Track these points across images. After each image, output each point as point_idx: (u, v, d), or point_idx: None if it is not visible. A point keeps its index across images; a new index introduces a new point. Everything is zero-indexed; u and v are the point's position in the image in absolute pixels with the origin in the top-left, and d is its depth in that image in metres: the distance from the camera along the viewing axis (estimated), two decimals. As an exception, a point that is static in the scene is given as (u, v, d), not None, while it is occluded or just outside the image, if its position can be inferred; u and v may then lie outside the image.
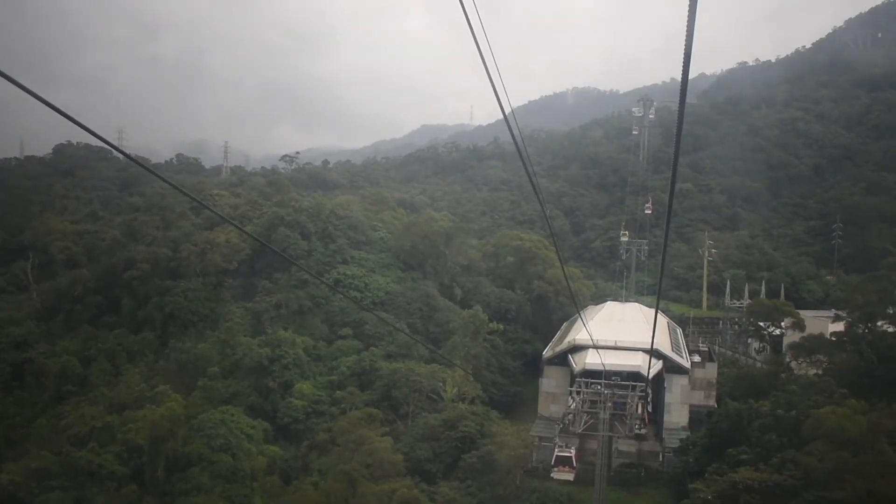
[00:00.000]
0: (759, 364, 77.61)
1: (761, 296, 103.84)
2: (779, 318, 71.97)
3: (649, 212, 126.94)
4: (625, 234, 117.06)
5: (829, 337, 61.70)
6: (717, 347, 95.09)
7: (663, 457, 68.43)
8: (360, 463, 58.59)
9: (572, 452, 57.75)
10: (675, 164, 10.72)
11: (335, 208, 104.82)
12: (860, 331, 55.95)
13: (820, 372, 57.46)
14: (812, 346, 59.71)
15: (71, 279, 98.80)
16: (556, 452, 58.31)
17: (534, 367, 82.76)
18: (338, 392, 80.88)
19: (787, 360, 62.71)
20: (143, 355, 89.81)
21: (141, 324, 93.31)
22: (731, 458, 49.25)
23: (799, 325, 72.55)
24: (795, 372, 61.54)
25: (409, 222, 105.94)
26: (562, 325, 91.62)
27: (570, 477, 57.28)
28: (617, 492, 63.84)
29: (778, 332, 74.57)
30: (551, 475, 57.77)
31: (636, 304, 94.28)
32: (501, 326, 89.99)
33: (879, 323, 57.20)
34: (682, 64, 7.32)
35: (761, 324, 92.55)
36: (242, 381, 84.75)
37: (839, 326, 66.88)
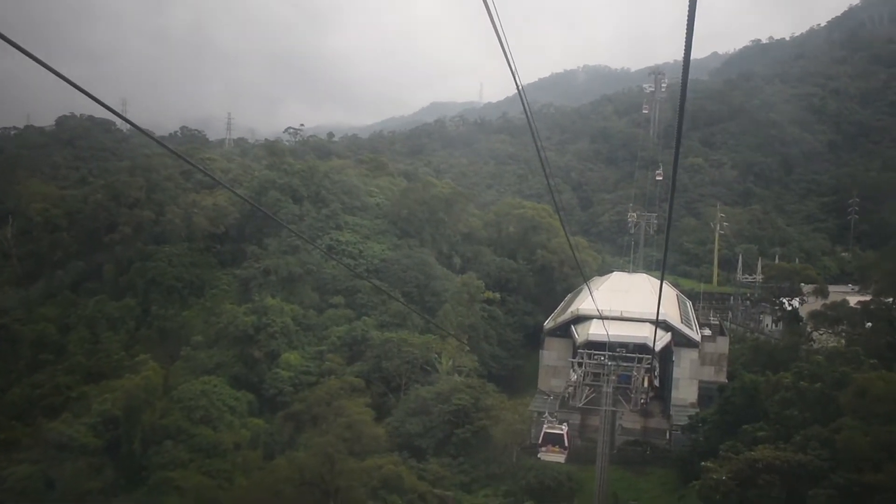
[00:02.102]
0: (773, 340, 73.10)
1: (772, 276, 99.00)
2: (798, 283, 66.98)
3: (660, 178, 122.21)
4: (632, 215, 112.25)
5: (853, 306, 57.06)
6: (728, 324, 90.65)
7: (670, 435, 64.22)
8: (336, 436, 54.08)
9: (564, 430, 48.33)
10: (680, 124, 10.20)
11: (329, 172, 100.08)
12: (889, 299, 51.15)
13: (843, 342, 52.70)
14: (836, 315, 54.85)
15: (51, 243, 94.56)
16: (545, 429, 48.44)
17: (535, 340, 78.60)
18: (327, 362, 76.62)
19: (808, 330, 57.98)
20: (123, 323, 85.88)
21: (123, 290, 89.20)
22: (746, 435, 44.61)
23: (822, 290, 67.89)
24: (815, 345, 56.90)
25: (406, 188, 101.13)
26: (565, 296, 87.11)
27: (561, 458, 48.77)
28: (620, 471, 59.71)
29: (793, 305, 69.71)
30: (538, 455, 49.26)
31: (644, 274, 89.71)
32: (498, 295, 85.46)
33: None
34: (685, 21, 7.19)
35: (775, 298, 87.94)
36: (227, 351, 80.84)
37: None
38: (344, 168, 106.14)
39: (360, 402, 61.78)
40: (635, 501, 55.88)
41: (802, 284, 66.85)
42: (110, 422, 70.76)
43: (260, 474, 53.33)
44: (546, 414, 49.65)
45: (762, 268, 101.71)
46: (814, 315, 55.92)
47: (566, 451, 48.07)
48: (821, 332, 57.63)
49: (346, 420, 56.29)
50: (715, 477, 38.73)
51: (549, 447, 47.51)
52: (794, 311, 62.08)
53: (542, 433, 48.14)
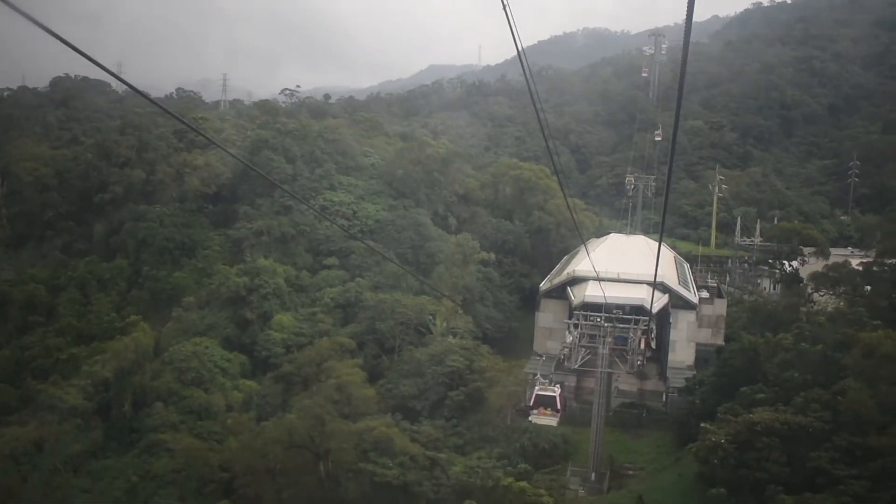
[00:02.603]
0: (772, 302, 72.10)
1: (772, 239, 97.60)
2: (799, 244, 65.73)
3: (659, 139, 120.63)
4: (630, 178, 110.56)
5: (855, 267, 55.91)
6: (726, 287, 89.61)
7: (667, 397, 63.49)
8: (326, 398, 53.19)
9: (556, 392, 46.00)
10: (681, 86, 9.73)
11: (323, 132, 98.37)
12: (892, 261, 49.96)
13: (843, 304, 51.58)
14: (837, 276, 53.68)
15: (41, 204, 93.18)
16: (536, 391, 45.90)
17: (531, 302, 77.60)
18: (319, 324, 75.70)
19: (809, 291, 56.87)
20: (114, 284, 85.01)
21: (113, 251, 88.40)
22: (744, 397, 43.68)
23: (823, 251, 66.74)
24: (816, 307, 55.86)
25: (402, 147, 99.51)
26: (562, 258, 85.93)
27: (553, 421, 46.47)
28: (616, 433, 59.12)
29: (793, 267, 68.49)
30: (529, 419, 47.06)
31: (642, 236, 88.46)
32: (493, 255, 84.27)
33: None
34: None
35: (776, 258, 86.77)
36: (219, 312, 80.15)
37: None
38: (338, 128, 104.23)
39: (352, 364, 60.95)
40: (632, 464, 55.25)
41: (801, 248, 65.46)
42: (101, 384, 70.36)
43: (249, 436, 52.57)
44: (537, 375, 47.06)
45: (761, 230, 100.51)
46: (815, 276, 54.75)
47: (559, 415, 45.97)
48: (821, 294, 56.59)
49: (337, 382, 55.39)
50: (714, 439, 37.76)
51: (541, 410, 45.38)
52: (795, 272, 60.86)
53: (534, 395, 45.79)
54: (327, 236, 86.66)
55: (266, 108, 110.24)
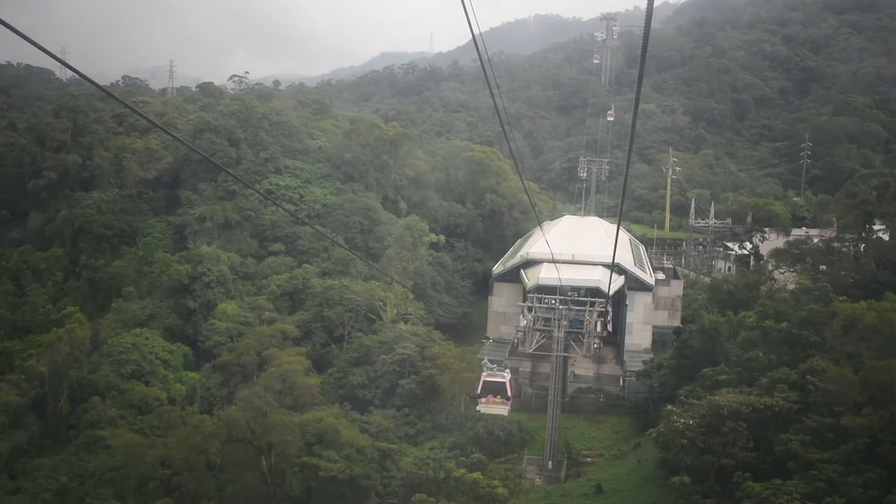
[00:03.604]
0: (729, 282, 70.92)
1: (727, 218, 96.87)
2: (760, 219, 64.40)
3: (612, 118, 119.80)
4: (584, 161, 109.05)
5: (817, 243, 54.61)
6: (682, 269, 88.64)
7: (624, 381, 62.07)
8: (266, 388, 50.49)
9: (506, 377, 40.45)
10: (643, 64, 9.81)
11: (268, 113, 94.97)
12: (855, 235, 48.63)
13: (804, 281, 50.14)
14: (800, 252, 52.25)
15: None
16: (484, 377, 40.35)
17: (485, 287, 75.94)
18: (266, 312, 72.87)
19: (769, 268, 55.61)
20: (50, 274, 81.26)
21: (49, 240, 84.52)
22: (706, 379, 41.93)
23: (784, 226, 65.60)
24: (776, 285, 54.53)
25: (349, 129, 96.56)
26: (515, 241, 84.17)
27: (504, 410, 41.33)
28: (573, 420, 57.51)
29: (752, 244, 67.21)
30: (477, 408, 41.43)
31: (596, 218, 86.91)
32: (443, 237, 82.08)
33: (877, 227, 50.12)
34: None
35: (737, 234, 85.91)
36: (161, 302, 77.03)
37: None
38: (284, 110, 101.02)
39: (294, 352, 58.09)
40: (590, 451, 53.50)
41: (760, 225, 64.10)
42: (36, 379, 66.81)
43: (185, 430, 49.60)
44: (485, 360, 41.19)
45: (716, 212, 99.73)
46: (776, 253, 53.35)
47: (509, 403, 40.93)
48: (782, 272, 55.32)
49: (278, 371, 52.61)
50: (683, 422, 35.84)
51: (490, 398, 40.27)
52: (755, 249, 59.51)
53: (481, 382, 40.37)
54: (273, 222, 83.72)
55: (209, 90, 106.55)
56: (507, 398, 40.10)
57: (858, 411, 31.95)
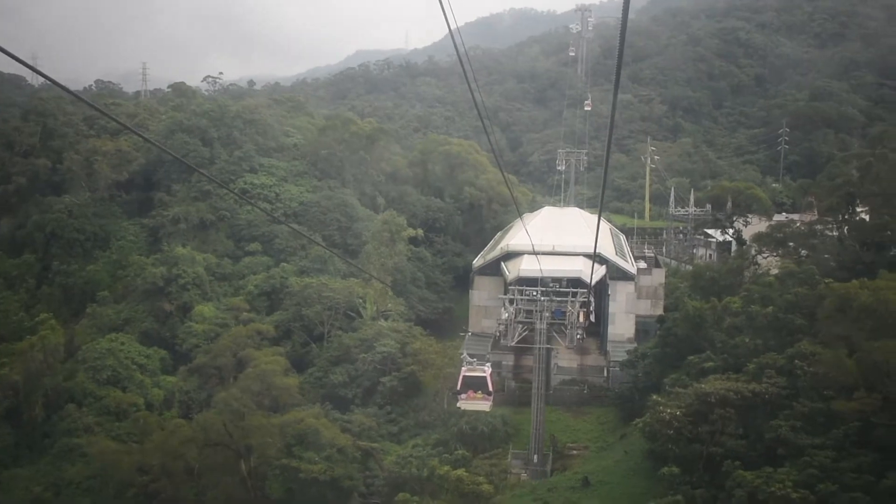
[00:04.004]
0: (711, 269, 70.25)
1: (706, 205, 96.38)
2: (742, 203, 63.70)
3: (589, 108, 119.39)
4: (562, 152, 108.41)
5: (800, 226, 53.92)
6: (663, 258, 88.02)
7: (608, 372, 61.24)
8: (243, 390, 49.35)
9: (486, 371, 37.83)
10: (623, 41, 9.46)
11: (241, 112, 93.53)
12: (839, 217, 47.97)
13: (789, 265, 49.40)
14: (783, 235, 51.45)
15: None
16: (463, 372, 37.55)
17: (466, 281, 74.78)
18: (244, 313, 71.69)
19: (753, 253, 54.91)
20: (23, 281, 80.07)
21: (20, 246, 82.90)
22: (692, 367, 41.19)
23: (766, 209, 65.05)
24: (760, 269, 53.87)
25: (324, 125, 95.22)
26: (495, 234, 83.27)
27: (486, 406, 38.76)
28: (558, 412, 56.79)
29: (735, 229, 66.51)
30: (457, 405, 38.59)
31: (576, 209, 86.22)
32: (421, 231, 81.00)
33: (859, 209, 49.43)
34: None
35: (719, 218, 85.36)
36: (136, 306, 75.95)
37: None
38: (257, 108, 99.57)
39: (270, 352, 56.91)
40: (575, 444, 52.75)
41: (741, 210, 63.32)
42: (10, 387, 65.57)
43: (161, 436, 48.37)
44: (464, 354, 39.11)
45: (694, 201, 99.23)
46: (759, 237, 52.60)
47: (491, 398, 38.40)
48: (765, 256, 54.66)
49: (254, 371, 51.44)
50: (670, 412, 34.94)
51: (470, 394, 37.65)
52: (738, 233, 58.81)
53: (461, 377, 37.63)
54: (249, 221, 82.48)
55: (181, 90, 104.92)
56: (489, 393, 37.64)
57: (849, 395, 31.24)
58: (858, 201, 44.99)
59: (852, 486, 29.25)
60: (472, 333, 39.44)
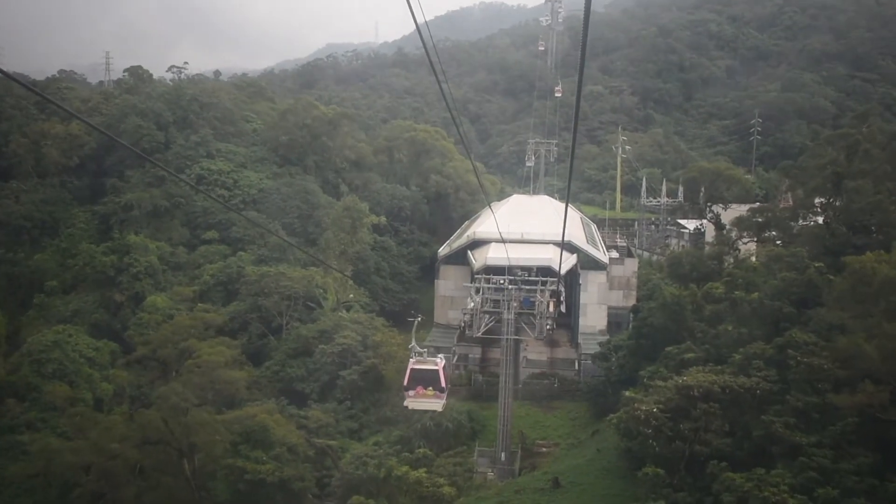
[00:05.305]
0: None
1: (678, 195, 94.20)
2: (722, 186, 61.24)
3: (559, 94, 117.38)
4: (532, 143, 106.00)
5: (783, 208, 51.42)
6: (635, 249, 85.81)
7: (579, 364, 58.75)
8: (185, 383, 46.01)
9: (439, 364, 31.28)
10: (586, 29, 9.66)
11: (198, 95, 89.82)
12: (826, 199, 45.43)
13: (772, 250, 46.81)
14: (765, 219, 48.76)
15: None
16: (411, 366, 31.36)
17: (432, 272, 72.08)
18: (200, 304, 68.30)
19: (733, 237, 52.40)
20: (-35, 270, 75.50)
21: (-38, 233, 78.56)
22: (670, 358, 38.41)
23: (748, 191, 62.81)
24: (740, 255, 51.40)
25: (285, 109, 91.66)
26: (463, 224, 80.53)
27: (438, 406, 32.64)
28: (526, 407, 54.16)
29: (707, 219, 64.20)
30: (405, 403, 32.53)
31: (546, 196, 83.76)
32: (384, 219, 77.97)
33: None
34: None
35: (682, 221, 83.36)
36: (86, 297, 72.58)
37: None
38: (215, 91, 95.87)
39: (214, 342, 53.42)
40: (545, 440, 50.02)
41: (718, 193, 60.92)
42: (-52, 383, 61.83)
43: (96, 433, 44.92)
44: (413, 344, 31.60)
45: (667, 192, 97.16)
46: (739, 221, 50.02)
47: (444, 396, 32.05)
48: (745, 242, 52.21)
49: (194, 363, 48.07)
50: (645, 409, 32.01)
51: (419, 390, 31.45)
52: (717, 217, 56.36)
53: (408, 371, 31.49)
54: (205, 208, 79.10)
55: (136, 73, 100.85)
56: (442, 390, 31.41)
57: (852, 388, 28.46)
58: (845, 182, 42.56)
59: (854, 490, 26.46)
60: (420, 318, 35.29)
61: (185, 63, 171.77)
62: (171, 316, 66.74)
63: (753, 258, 50.92)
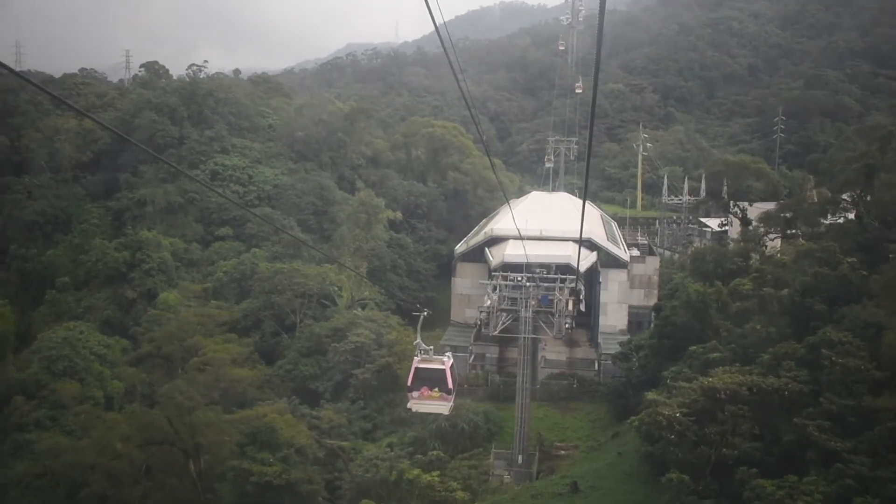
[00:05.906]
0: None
1: (701, 193, 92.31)
2: (747, 179, 59.38)
3: (580, 91, 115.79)
4: (551, 140, 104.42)
5: (812, 203, 49.57)
6: (658, 248, 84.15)
7: (599, 365, 57.10)
8: (189, 381, 44.80)
9: (446, 364, 26.96)
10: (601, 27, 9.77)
11: (213, 90, 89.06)
12: (856, 192, 43.58)
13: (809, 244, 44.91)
14: (794, 215, 46.93)
15: None
16: (416, 364, 27.23)
17: (449, 270, 70.91)
18: (212, 301, 67.31)
19: (761, 232, 50.67)
20: (-23, 266, 75.14)
21: (-25, 229, 78.23)
22: (694, 358, 36.71)
23: (775, 185, 60.98)
24: (767, 251, 49.65)
25: (301, 104, 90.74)
26: (480, 221, 79.16)
27: (444, 408, 28.21)
28: (545, 408, 52.47)
29: (734, 214, 62.41)
30: (408, 405, 27.66)
31: (565, 193, 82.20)
32: (400, 215, 76.72)
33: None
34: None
35: (704, 220, 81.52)
36: (98, 293, 71.90)
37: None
38: (231, 87, 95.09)
39: (221, 339, 52.22)
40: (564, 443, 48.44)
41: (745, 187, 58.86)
42: (-42, 381, 61.15)
43: (99, 432, 43.79)
44: (418, 340, 27.95)
45: (689, 190, 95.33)
46: (767, 216, 48.20)
47: (451, 398, 27.83)
48: (772, 238, 50.47)
49: (200, 361, 46.86)
50: (667, 413, 30.33)
51: (424, 391, 27.47)
52: (744, 212, 54.60)
53: (412, 371, 27.28)
54: (220, 204, 78.30)
55: (152, 68, 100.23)
56: (449, 391, 27.67)
57: (891, 390, 26.68)
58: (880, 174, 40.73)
59: (895, 500, 24.74)
60: (427, 312, 32.76)
61: (205, 61, 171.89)
62: (180, 312, 65.97)
63: (779, 255, 49.14)
